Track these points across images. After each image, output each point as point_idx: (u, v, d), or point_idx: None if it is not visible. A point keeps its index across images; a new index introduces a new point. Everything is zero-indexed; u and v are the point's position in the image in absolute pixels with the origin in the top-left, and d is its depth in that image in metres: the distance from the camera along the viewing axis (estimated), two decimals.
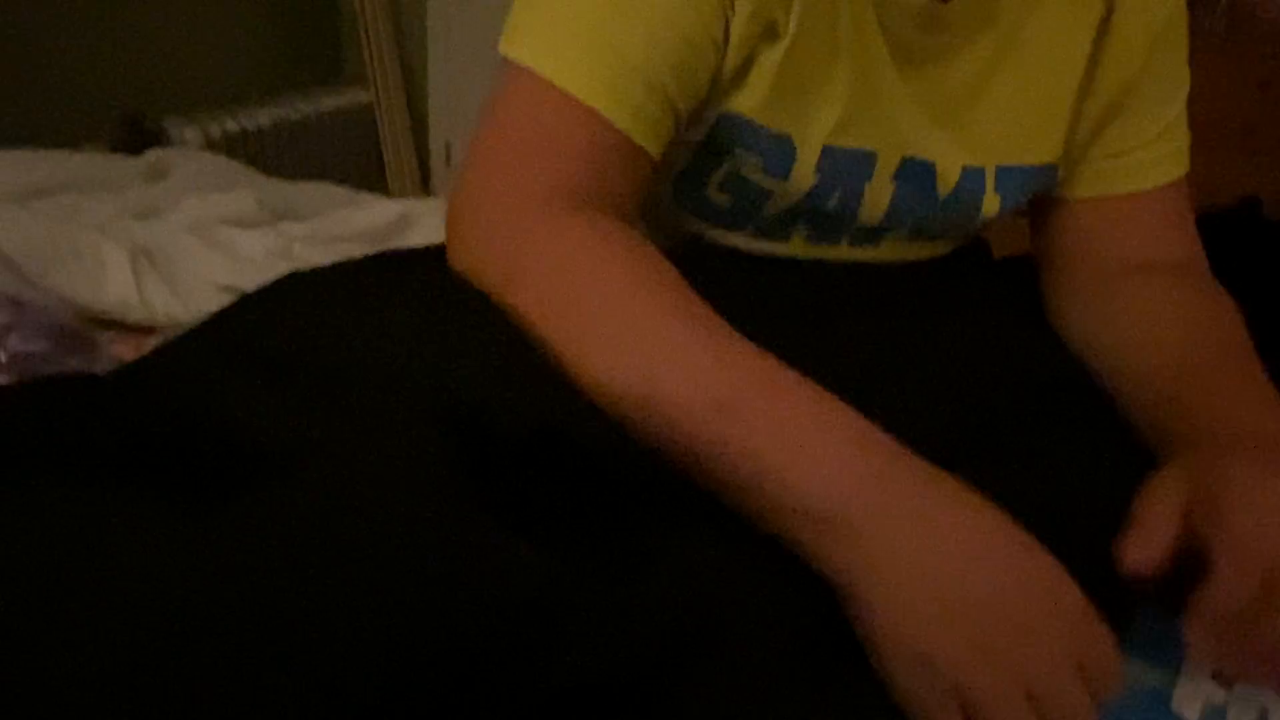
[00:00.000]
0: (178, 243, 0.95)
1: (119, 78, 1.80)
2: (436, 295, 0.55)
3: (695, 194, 0.69)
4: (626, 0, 0.56)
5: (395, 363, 0.50)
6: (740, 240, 0.72)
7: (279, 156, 1.95)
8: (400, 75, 2.14)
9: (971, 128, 0.66)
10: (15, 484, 0.42)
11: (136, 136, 1.76)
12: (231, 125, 1.91)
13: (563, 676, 0.40)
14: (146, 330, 0.87)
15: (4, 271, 0.84)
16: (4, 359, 0.77)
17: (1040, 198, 0.74)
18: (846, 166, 0.65)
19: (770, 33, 0.59)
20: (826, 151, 0.64)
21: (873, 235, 0.72)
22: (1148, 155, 0.69)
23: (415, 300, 0.55)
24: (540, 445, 0.47)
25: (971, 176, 0.68)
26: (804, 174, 0.65)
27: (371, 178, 2.14)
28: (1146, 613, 0.45)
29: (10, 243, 0.84)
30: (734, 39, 0.58)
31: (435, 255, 0.59)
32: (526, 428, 0.47)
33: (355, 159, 2.13)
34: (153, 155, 1.18)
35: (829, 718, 0.42)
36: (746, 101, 0.61)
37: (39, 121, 1.54)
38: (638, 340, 0.49)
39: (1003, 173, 0.68)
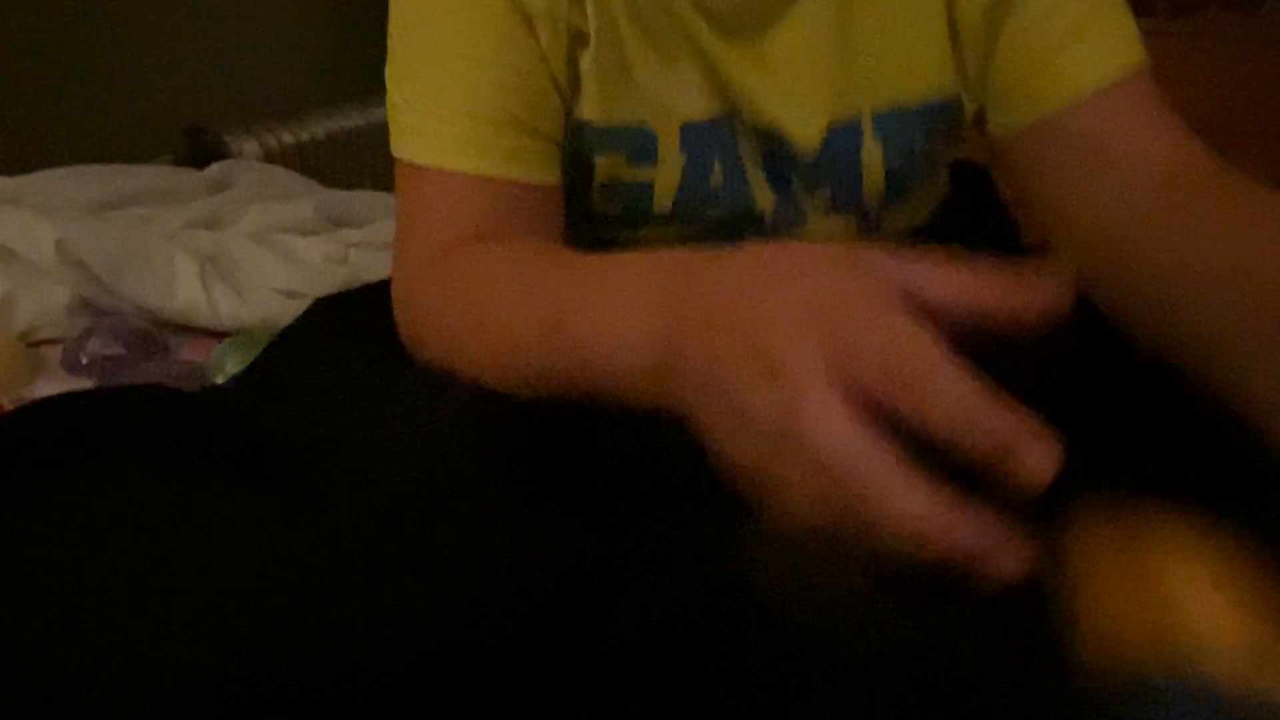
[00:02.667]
0: (242, 250, 1.00)
1: (181, 95, 1.86)
2: None
3: (584, 210, 0.68)
4: (453, 65, 0.59)
5: (434, 374, 0.55)
6: (650, 235, 0.69)
7: (334, 166, 2.01)
8: None
9: (834, 81, 0.62)
10: (112, 470, 0.47)
11: (199, 150, 1.82)
12: (288, 137, 1.97)
13: (604, 646, 0.43)
14: (214, 334, 0.92)
15: (83, 279, 0.90)
16: (85, 361, 0.82)
17: (996, 147, 0.65)
18: (711, 140, 0.64)
19: (580, 40, 0.61)
20: (685, 130, 0.64)
21: (788, 220, 0.68)
22: (1075, 55, 0.59)
23: None
24: (583, 434, 0.50)
25: (841, 132, 0.64)
26: (670, 155, 0.64)
27: None
28: None
29: (88, 252, 0.90)
30: (549, 54, 0.60)
31: None
32: (568, 418, 0.50)
33: None
34: (216, 168, 1.23)
35: (868, 696, 0.44)
36: (586, 107, 0.63)
37: (106, 139, 1.61)
38: (495, 318, 0.51)
39: (880, 119, 0.63)
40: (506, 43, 0.59)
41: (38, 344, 0.88)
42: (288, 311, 0.84)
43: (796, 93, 0.63)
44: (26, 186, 1.05)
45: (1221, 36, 1.69)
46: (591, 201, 0.67)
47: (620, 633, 0.43)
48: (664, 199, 0.66)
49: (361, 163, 2.08)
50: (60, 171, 1.12)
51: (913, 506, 0.32)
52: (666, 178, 0.65)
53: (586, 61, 0.61)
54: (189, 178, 1.20)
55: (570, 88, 0.62)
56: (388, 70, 0.62)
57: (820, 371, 0.34)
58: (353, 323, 0.67)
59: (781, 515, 0.36)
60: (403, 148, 0.61)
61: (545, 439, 0.49)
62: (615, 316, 0.43)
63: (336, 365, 0.63)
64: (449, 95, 0.59)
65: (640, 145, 0.64)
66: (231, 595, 0.40)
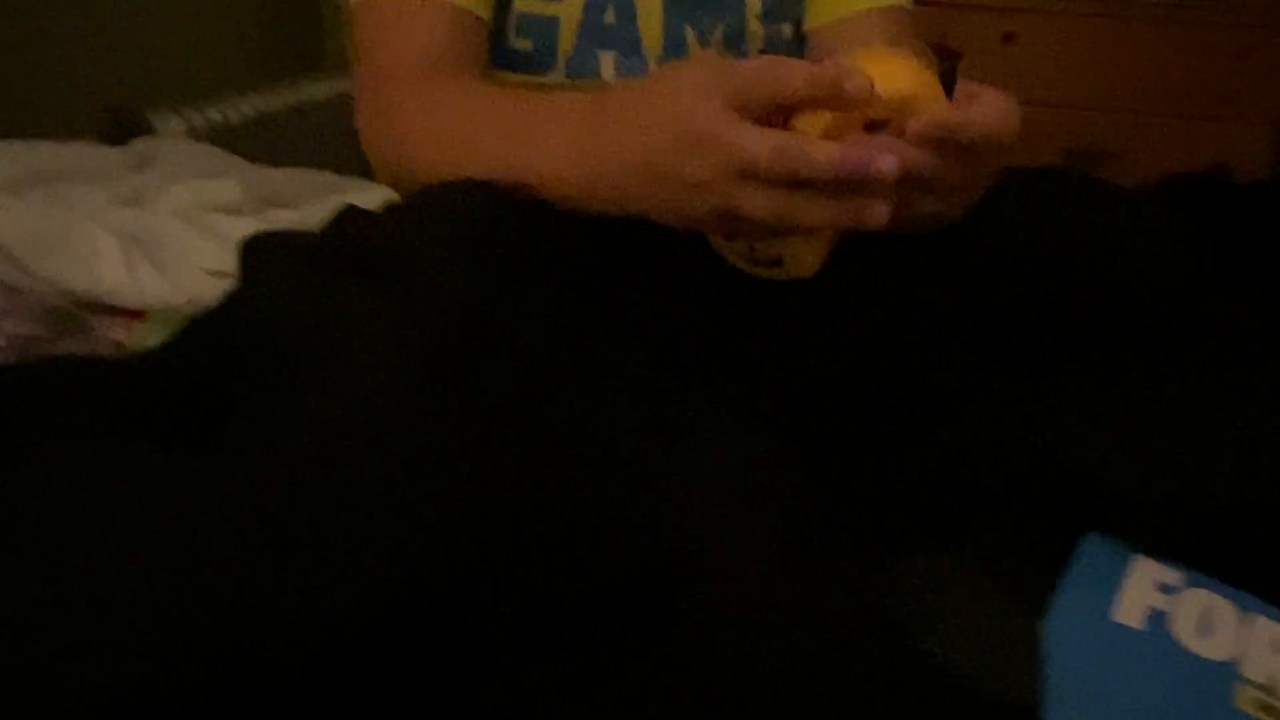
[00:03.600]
0: (167, 229, 0.96)
1: (103, 73, 1.81)
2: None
3: (501, 49, 0.85)
4: None
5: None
6: (554, 81, 0.88)
7: (263, 147, 1.96)
8: None
9: None
10: (27, 446, 0.45)
11: (121, 129, 1.77)
12: (215, 116, 1.92)
13: (578, 585, 0.42)
14: (138, 314, 0.89)
15: None
16: (1, 343, 0.79)
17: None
18: None
19: None
20: None
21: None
22: None
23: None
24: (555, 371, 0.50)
25: None
26: None
27: (356, 167, 2.15)
28: (1089, 541, 0.48)
29: (3, 230, 0.86)
30: None
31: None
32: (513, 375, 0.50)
33: (339, 148, 2.14)
34: (139, 144, 1.19)
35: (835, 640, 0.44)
36: None
37: (24, 117, 1.55)
38: (472, 137, 0.68)
39: None
40: None
41: None
42: (217, 292, 0.82)
43: None
44: None
45: (1147, 20, 1.73)
46: (508, 37, 0.84)
47: (584, 571, 0.42)
48: (568, 35, 0.83)
49: (292, 144, 2.03)
50: None
51: (829, 150, 0.50)
52: (570, 12, 0.82)
53: None
54: (110, 154, 1.16)
55: None
56: None
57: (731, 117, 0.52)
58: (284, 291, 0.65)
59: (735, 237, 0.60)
60: None
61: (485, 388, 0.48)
62: (547, 137, 0.62)
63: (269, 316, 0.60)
64: None
65: None
66: (161, 566, 0.38)
